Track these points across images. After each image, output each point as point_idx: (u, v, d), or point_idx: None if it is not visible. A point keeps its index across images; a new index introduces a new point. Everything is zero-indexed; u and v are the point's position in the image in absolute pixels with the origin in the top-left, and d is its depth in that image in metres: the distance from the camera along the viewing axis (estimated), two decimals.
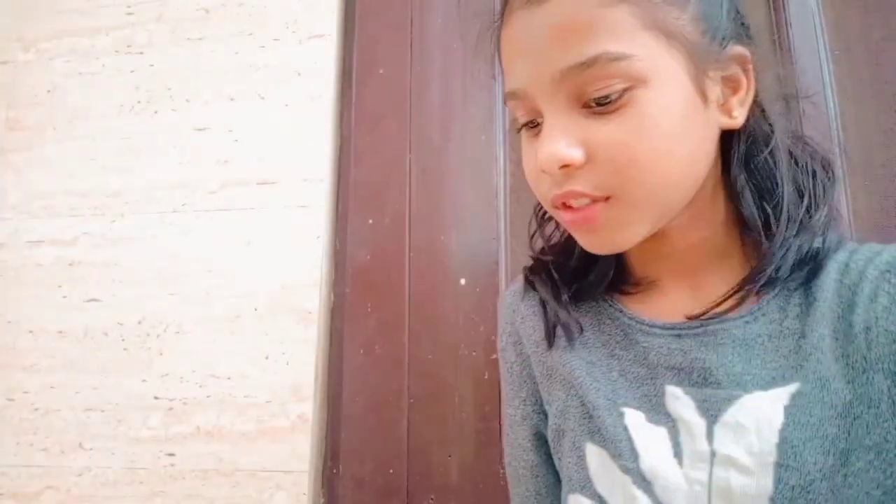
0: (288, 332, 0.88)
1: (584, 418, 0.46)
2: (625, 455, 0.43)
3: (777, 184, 0.43)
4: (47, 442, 0.89)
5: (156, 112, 0.99)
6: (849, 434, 0.37)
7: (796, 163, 0.44)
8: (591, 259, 0.50)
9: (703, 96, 0.41)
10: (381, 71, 0.99)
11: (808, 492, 0.37)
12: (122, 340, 0.91)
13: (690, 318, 0.44)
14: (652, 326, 0.46)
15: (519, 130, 0.46)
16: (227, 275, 0.91)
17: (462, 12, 0.98)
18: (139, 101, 0.99)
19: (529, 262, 0.55)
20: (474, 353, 0.87)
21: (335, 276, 0.94)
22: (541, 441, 0.52)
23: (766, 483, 0.38)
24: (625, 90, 0.38)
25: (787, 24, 0.88)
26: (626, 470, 0.42)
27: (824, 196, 0.44)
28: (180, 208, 0.94)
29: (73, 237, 0.96)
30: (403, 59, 0.99)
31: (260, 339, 0.88)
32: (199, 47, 1.00)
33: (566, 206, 0.42)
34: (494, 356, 0.84)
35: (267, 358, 0.87)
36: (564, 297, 0.50)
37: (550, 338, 0.50)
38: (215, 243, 0.92)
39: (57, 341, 0.92)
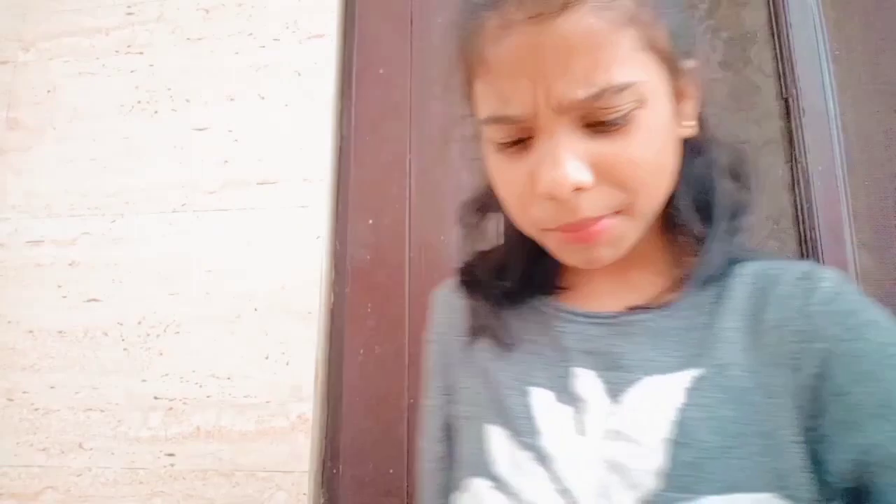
0: (288, 332, 0.87)
1: (491, 401, 0.48)
2: (525, 432, 0.44)
3: (707, 189, 0.45)
4: (47, 442, 0.89)
5: (156, 112, 0.99)
6: (744, 418, 0.39)
7: (723, 167, 0.46)
8: (529, 272, 0.51)
9: (676, 109, 0.42)
10: (381, 71, 0.99)
11: (700, 469, 0.38)
12: (122, 340, 0.91)
13: (631, 309, 0.46)
14: (570, 314, 0.48)
15: (508, 148, 0.41)
16: (227, 275, 0.91)
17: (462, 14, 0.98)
18: (139, 101, 0.99)
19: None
20: None
21: (335, 276, 0.94)
22: (449, 433, 0.53)
23: (660, 459, 0.39)
24: (629, 111, 0.39)
25: (787, 24, 0.88)
26: (526, 446, 0.43)
27: (750, 197, 0.46)
28: (180, 208, 0.94)
29: (73, 237, 0.96)
30: (403, 59, 0.99)
31: (260, 339, 0.88)
32: (199, 47, 1.00)
33: (565, 228, 0.41)
34: None
35: (267, 358, 0.87)
36: (499, 310, 0.51)
37: (476, 333, 0.52)
38: (215, 243, 0.92)
39: (57, 341, 0.92)
